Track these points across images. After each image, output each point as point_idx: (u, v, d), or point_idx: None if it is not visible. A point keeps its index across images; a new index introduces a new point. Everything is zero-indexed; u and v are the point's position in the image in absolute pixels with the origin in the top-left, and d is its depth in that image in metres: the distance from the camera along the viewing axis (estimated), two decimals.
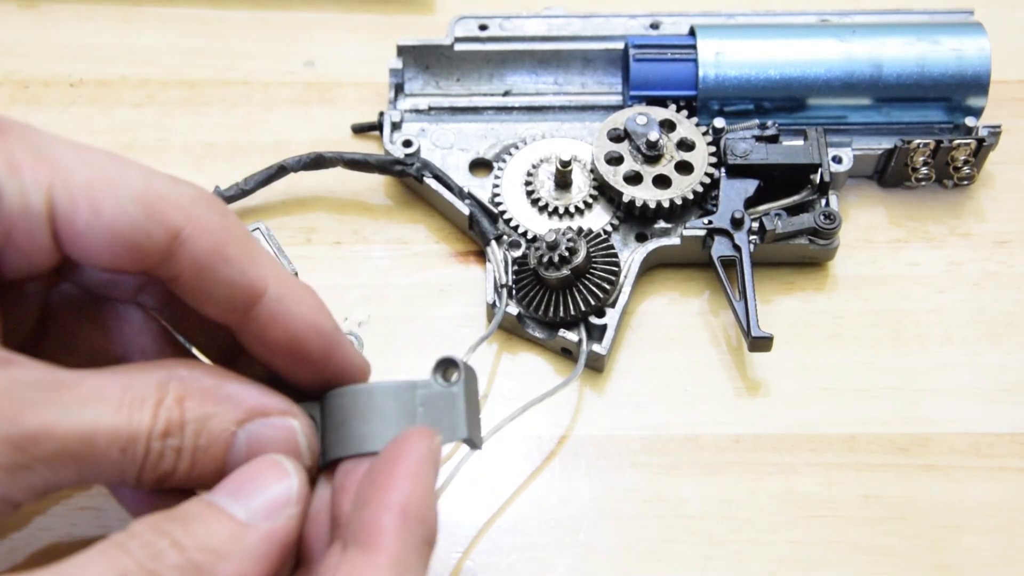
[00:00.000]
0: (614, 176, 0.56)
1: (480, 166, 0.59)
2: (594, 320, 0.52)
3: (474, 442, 0.37)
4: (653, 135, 0.56)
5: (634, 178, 0.56)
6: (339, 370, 0.37)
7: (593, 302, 0.52)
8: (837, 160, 0.57)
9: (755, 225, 0.55)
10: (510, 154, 0.58)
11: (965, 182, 0.59)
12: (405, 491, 0.33)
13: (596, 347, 0.52)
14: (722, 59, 0.58)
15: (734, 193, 0.55)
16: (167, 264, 0.34)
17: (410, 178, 0.57)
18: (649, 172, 0.56)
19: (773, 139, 0.56)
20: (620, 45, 0.61)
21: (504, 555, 0.48)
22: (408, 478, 0.34)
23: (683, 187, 0.55)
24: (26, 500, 0.31)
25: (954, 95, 0.58)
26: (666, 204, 0.55)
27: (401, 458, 0.34)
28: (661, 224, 0.55)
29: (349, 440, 0.36)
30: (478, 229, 0.56)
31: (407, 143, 0.58)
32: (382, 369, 0.53)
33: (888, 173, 0.59)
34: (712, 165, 0.56)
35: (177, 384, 0.34)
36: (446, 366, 0.37)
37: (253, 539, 0.32)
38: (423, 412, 0.37)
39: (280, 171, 0.56)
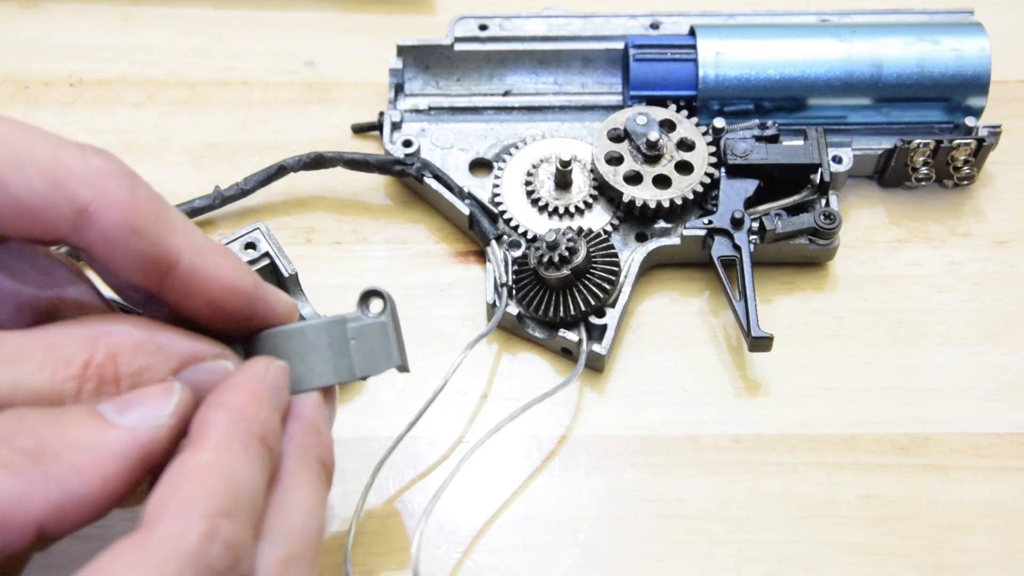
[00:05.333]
0: (614, 176, 0.56)
1: (480, 166, 0.59)
2: (594, 320, 0.52)
3: (405, 367, 0.39)
4: (653, 135, 0.56)
5: (634, 178, 0.56)
6: (264, 322, 0.38)
7: (593, 302, 0.52)
8: (837, 160, 0.57)
9: (755, 225, 0.55)
10: (510, 154, 0.58)
11: (965, 182, 0.59)
12: (232, 394, 0.35)
13: (596, 347, 0.52)
14: (722, 59, 0.58)
15: (734, 193, 0.55)
16: (76, 236, 0.34)
17: (410, 178, 0.58)
18: (649, 172, 0.56)
19: (773, 139, 0.56)
20: (620, 45, 0.61)
21: (504, 555, 0.48)
22: (236, 386, 0.35)
23: (683, 187, 0.55)
24: None
25: (954, 95, 0.58)
26: (666, 204, 0.55)
27: (236, 374, 0.36)
28: (661, 224, 0.55)
29: (291, 380, 0.37)
30: (478, 229, 0.56)
31: (407, 143, 0.58)
32: None
33: (888, 173, 0.59)
34: (712, 165, 0.56)
35: (107, 340, 0.34)
36: (370, 297, 0.38)
37: (113, 437, 0.33)
38: (356, 345, 0.38)
39: (280, 171, 0.56)
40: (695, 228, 0.55)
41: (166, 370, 0.35)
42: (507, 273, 0.53)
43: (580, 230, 0.54)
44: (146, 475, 0.34)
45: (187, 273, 0.35)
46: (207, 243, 0.36)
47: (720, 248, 0.54)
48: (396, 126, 0.59)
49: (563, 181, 0.57)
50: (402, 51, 0.61)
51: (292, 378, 0.38)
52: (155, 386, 0.35)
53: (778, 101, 0.58)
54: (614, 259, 0.53)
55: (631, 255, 0.55)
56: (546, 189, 0.57)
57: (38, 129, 0.35)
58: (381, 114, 0.60)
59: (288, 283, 0.52)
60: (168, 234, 0.35)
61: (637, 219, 0.56)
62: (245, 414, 0.34)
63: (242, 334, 0.39)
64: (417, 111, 0.61)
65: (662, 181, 0.56)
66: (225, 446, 0.33)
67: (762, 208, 0.56)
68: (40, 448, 0.31)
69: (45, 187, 0.33)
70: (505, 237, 0.55)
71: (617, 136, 0.57)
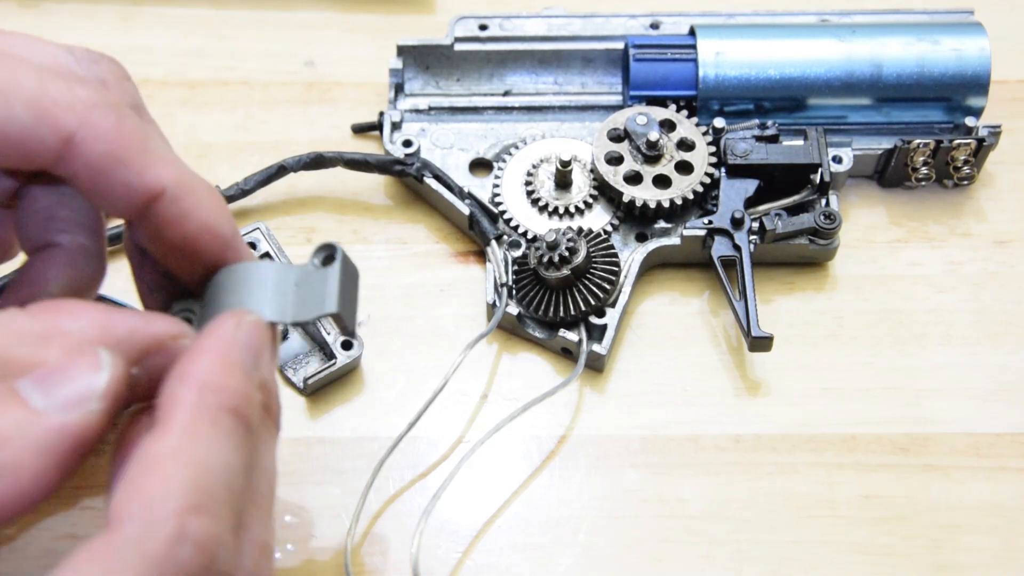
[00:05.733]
0: (614, 176, 0.56)
1: (480, 166, 0.59)
2: (594, 320, 0.52)
3: (344, 322, 0.37)
4: (653, 135, 0.56)
5: (634, 178, 0.56)
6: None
7: (593, 302, 0.52)
8: (837, 160, 0.57)
9: (755, 225, 0.55)
10: (510, 154, 0.58)
11: (965, 182, 0.59)
12: (200, 364, 0.32)
13: (596, 347, 0.52)
14: (722, 59, 0.58)
15: (734, 193, 0.55)
16: (61, 165, 0.34)
17: (410, 178, 0.58)
18: (649, 172, 0.56)
19: (773, 139, 0.56)
20: (620, 45, 0.61)
21: (504, 555, 0.48)
22: (205, 352, 0.33)
23: (683, 187, 0.55)
24: None
25: (954, 95, 0.58)
26: (666, 204, 0.55)
27: (205, 336, 0.34)
28: (661, 224, 0.55)
29: (221, 312, 0.36)
30: (478, 229, 0.56)
31: (407, 143, 0.58)
32: (383, 369, 0.53)
33: (888, 173, 0.59)
34: (712, 165, 0.56)
35: (62, 342, 0.32)
36: (326, 252, 0.37)
37: (40, 430, 0.30)
38: (296, 290, 0.37)
39: (280, 171, 0.56)
40: (695, 228, 0.55)
41: (129, 363, 0.33)
42: (507, 273, 0.53)
43: (580, 230, 0.54)
44: (82, 460, 0.32)
45: (169, 204, 0.35)
46: (194, 179, 0.36)
47: (720, 248, 0.54)
48: (396, 126, 0.59)
49: (563, 181, 0.57)
50: (402, 51, 0.61)
51: (222, 311, 0.36)
52: (79, 358, 0.32)
53: (778, 101, 0.58)
54: (614, 259, 0.53)
55: (631, 255, 0.55)
56: (546, 189, 0.57)
57: (23, 59, 0.34)
58: (381, 114, 0.60)
59: None
60: (153, 165, 0.35)
61: (637, 219, 0.56)
62: (211, 385, 0.32)
63: (205, 281, 0.37)
64: (417, 111, 0.61)
65: (662, 181, 0.56)
66: (191, 428, 0.31)
67: (762, 208, 0.56)
68: None
69: (30, 118, 0.33)
70: (505, 237, 0.55)
71: (617, 136, 0.57)
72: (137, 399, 0.34)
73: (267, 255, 0.52)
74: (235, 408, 0.32)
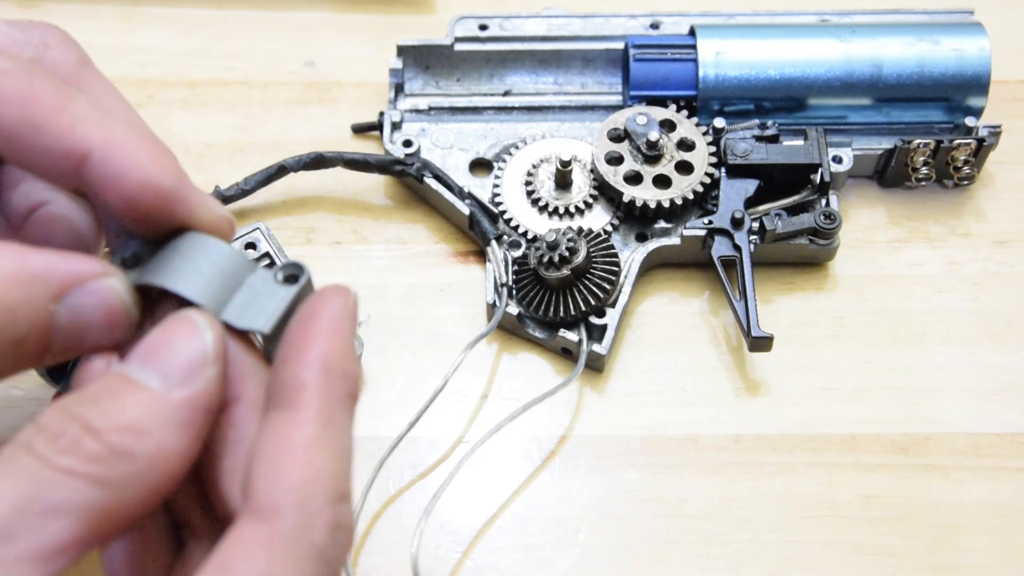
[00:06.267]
0: (614, 176, 0.56)
1: (480, 166, 0.59)
2: (594, 320, 0.52)
3: (272, 348, 0.34)
4: (653, 135, 0.56)
5: (634, 178, 0.56)
6: (188, 223, 0.35)
7: (593, 302, 0.52)
8: (837, 160, 0.57)
9: (755, 225, 0.55)
10: (510, 154, 0.58)
11: (965, 182, 0.59)
12: (324, 347, 0.32)
13: (596, 347, 0.52)
14: (722, 59, 0.58)
15: (734, 193, 0.55)
16: None
17: (410, 178, 0.58)
18: (649, 172, 0.56)
19: (773, 139, 0.56)
20: (620, 45, 0.61)
21: (504, 555, 0.48)
22: (326, 334, 0.32)
23: (683, 187, 0.55)
24: None
25: (954, 95, 0.58)
26: (666, 204, 0.55)
27: (317, 315, 0.33)
28: (661, 224, 0.55)
29: (165, 272, 0.34)
30: (478, 229, 0.56)
31: (407, 143, 0.58)
32: (383, 369, 0.53)
33: (888, 173, 0.59)
34: (712, 165, 0.56)
35: None
36: (292, 271, 0.35)
37: (171, 410, 0.30)
38: (244, 290, 0.35)
39: (280, 171, 0.56)
40: (695, 228, 0.55)
41: (46, 299, 0.32)
42: (507, 273, 0.53)
43: (580, 230, 0.54)
44: (210, 426, 0.32)
45: (99, 166, 0.33)
46: (126, 135, 0.34)
47: (720, 248, 0.54)
48: (396, 126, 0.59)
49: (563, 181, 0.57)
50: (402, 51, 0.61)
51: (168, 271, 0.35)
52: (175, 328, 0.32)
53: (778, 101, 0.58)
54: (614, 259, 0.53)
55: (631, 255, 0.55)
56: (546, 189, 0.57)
57: None
58: (381, 114, 0.60)
59: None
60: (74, 127, 0.33)
61: (637, 219, 0.56)
62: (338, 371, 0.32)
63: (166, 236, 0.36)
64: (417, 111, 0.61)
65: (662, 181, 0.56)
66: (326, 415, 0.31)
67: (762, 208, 0.56)
68: (110, 450, 0.29)
69: None
70: (505, 237, 0.55)
71: (617, 136, 0.57)
72: (65, 343, 0.32)
73: (267, 255, 0.52)
74: (354, 392, 0.33)
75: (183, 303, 0.34)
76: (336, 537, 0.30)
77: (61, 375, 0.46)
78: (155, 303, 0.35)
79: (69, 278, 0.32)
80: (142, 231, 0.35)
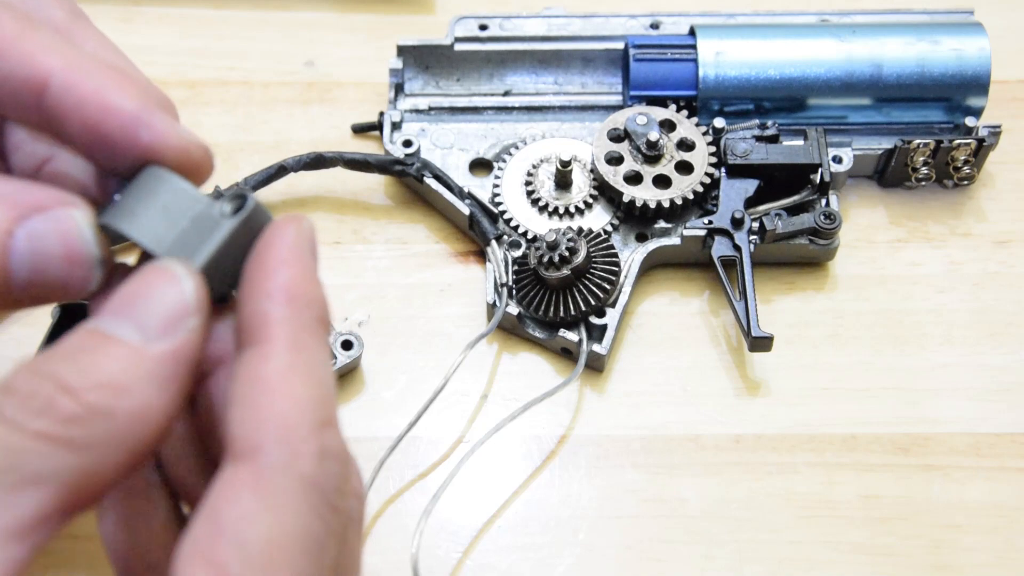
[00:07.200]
0: (614, 176, 0.56)
1: (480, 166, 0.59)
2: (594, 320, 0.52)
3: (213, 287, 0.32)
4: (653, 135, 0.56)
5: (634, 178, 0.56)
6: (155, 155, 0.33)
7: (593, 302, 0.52)
8: (837, 160, 0.57)
9: (755, 225, 0.55)
10: (510, 154, 0.58)
11: (965, 182, 0.59)
12: (283, 276, 0.31)
13: (596, 347, 0.52)
14: (722, 59, 0.58)
15: (734, 193, 0.55)
16: None
17: (410, 178, 0.58)
18: (649, 172, 0.56)
19: (773, 139, 0.56)
20: (620, 45, 0.61)
21: (504, 555, 0.48)
22: (283, 263, 0.31)
23: (683, 187, 0.55)
24: None
25: (954, 95, 0.58)
26: (666, 204, 0.55)
27: (273, 245, 0.32)
28: (661, 224, 0.55)
29: (123, 211, 0.33)
30: (478, 229, 0.56)
31: (407, 143, 0.58)
32: (383, 369, 0.53)
33: (888, 173, 0.59)
34: (712, 165, 0.56)
35: None
36: (237, 203, 0.33)
37: (152, 365, 0.29)
38: (187, 225, 0.33)
39: (280, 171, 0.56)
40: (695, 228, 0.55)
41: (8, 220, 0.31)
42: (507, 273, 0.53)
43: (580, 230, 0.54)
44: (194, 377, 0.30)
45: (60, 93, 0.31)
46: (87, 61, 0.32)
47: (720, 248, 0.54)
48: (396, 126, 0.59)
49: (563, 181, 0.57)
50: (402, 51, 0.61)
51: (120, 212, 0.33)
52: (151, 277, 0.30)
53: (778, 101, 0.58)
54: (614, 259, 0.53)
55: (631, 255, 0.55)
56: (546, 189, 0.57)
57: None
58: (381, 114, 0.60)
59: None
60: (34, 53, 0.31)
61: (637, 219, 0.56)
62: (302, 298, 0.31)
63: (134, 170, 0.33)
64: (417, 111, 0.61)
65: (662, 181, 0.56)
66: (296, 344, 0.30)
67: (762, 208, 0.55)
68: (88, 409, 0.27)
69: None
70: (505, 237, 0.55)
71: (617, 136, 0.57)
72: (27, 277, 0.31)
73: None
74: (323, 317, 0.31)
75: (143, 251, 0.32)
76: (326, 465, 0.29)
77: None
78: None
79: (31, 204, 0.31)
80: (111, 165, 0.33)
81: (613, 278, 0.52)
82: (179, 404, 0.30)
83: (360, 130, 0.62)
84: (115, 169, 0.34)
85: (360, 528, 0.32)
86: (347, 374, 0.52)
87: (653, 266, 0.56)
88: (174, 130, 0.33)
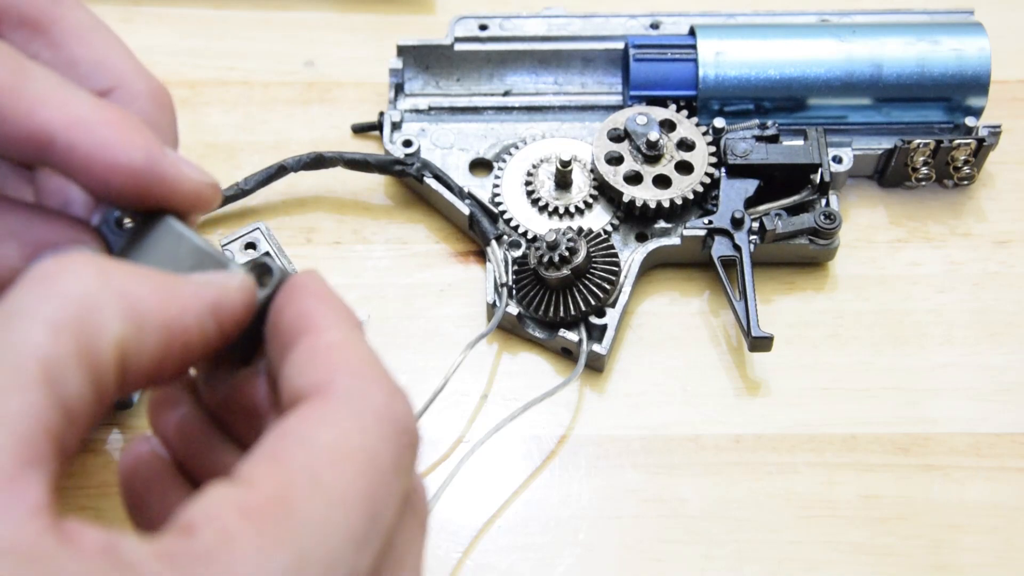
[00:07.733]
0: (614, 176, 0.56)
1: (480, 166, 0.59)
2: (594, 320, 0.52)
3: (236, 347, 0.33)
4: (653, 135, 0.56)
5: (634, 178, 0.56)
6: (168, 203, 0.34)
7: (593, 302, 0.52)
8: (837, 160, 0.57)
9: (755, 225, 0.55)
10: (510, 154, 0.58)
11: (965, 182, 0.59)
12: (309, 281, 0.32)
13: (596, 347, 0.52)
14: (722, 59, 0.58)
15: (734, 193, 0.55)
16: None
17: (410, 178, 0.58)
18: (649, 172, 0.56)
19: (773, 139, 0.56)
20: (620, 45, 0.61)
21: (504, 555, 0.48)
22: (320, 304, 0.32)
23: (683, 187, 0.55)
24: None
25: (954, 95, 0.58)
26: (666, 204, 0.55)
27: (304, 295, 0.32)
28: (661, 224, 0.55)
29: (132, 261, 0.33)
30: (478, 229, 0.56)
31: (407, 143, 0.58)
32: None
33: (888, 173, 0.59)
34: (712, 165, 0.56)
35: None
36: (262, 271, 0.33)
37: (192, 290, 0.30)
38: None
39: (280, 171, 0.56)
40: (695, 228, 0.55)
41: (19, 257, 0.31)
42: (507, 273, 0.53)
43: (580, 230, 0.54)
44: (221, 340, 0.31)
45: (64, 152, 0.32)
46: (91, 112, 0.32)
47: (720, 248, 0.54)
48: (396, 126, 0.59)
49: (563, 181, 0.57)
50: (402, 51, 0.61)
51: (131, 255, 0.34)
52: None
53: (778, 101, 0.58)
54: (614, 259, 0.53)
55: (631, 255, 0.55)
56: (546, 189, 0.57)
57: None
58: (381, 114, 0.60)
59: None
60: (32, 110, 0.31)
61: (637, 219, 0.56)
62: (332, 301, 0.32)
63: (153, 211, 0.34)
64: (417, 111, 0.61)
65: (662, 181, 0.56)
66: (340, 324, 0.31)
67: (762, 208, 0.56)
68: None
69: None
70: (505, 237, 0.55)
71: (617, 136, 0.57)
72: None
73: (267, 255, 0.52)
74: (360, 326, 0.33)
75: None
76: (397, 405, 0.29)
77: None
78: None
79: (43, 241, 0.32)
80: (129, 206, 0.34)
81: (613, 278, 0.52)
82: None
83: (360, 130, 0.62)
84: (131, 207, 0.34)
85: (424, 522, 0.32)
86: None
87: (653, 266, 0.56)
88: (182, 174, 0.34)
